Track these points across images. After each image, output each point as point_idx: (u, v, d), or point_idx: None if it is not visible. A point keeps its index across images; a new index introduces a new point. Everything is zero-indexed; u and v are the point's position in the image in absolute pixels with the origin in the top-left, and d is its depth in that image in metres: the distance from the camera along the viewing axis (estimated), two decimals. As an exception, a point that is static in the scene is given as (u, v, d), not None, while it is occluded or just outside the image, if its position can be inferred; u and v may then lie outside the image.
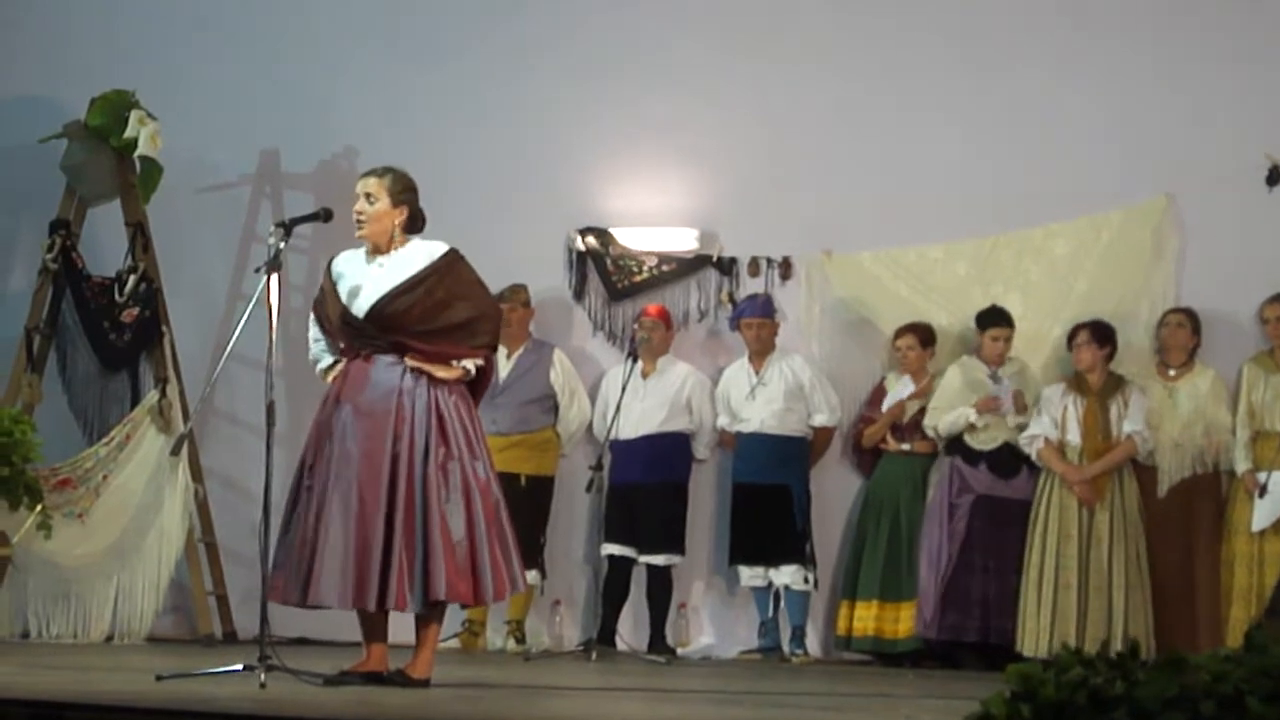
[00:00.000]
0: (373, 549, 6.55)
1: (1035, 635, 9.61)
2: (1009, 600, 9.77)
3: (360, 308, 6.77)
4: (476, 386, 6.94)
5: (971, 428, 9.94)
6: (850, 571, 10.28)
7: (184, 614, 10.88)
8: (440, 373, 6.76)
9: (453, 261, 6.86)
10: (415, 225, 6.93)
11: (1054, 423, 9.81)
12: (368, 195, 6.84)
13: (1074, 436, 9.77)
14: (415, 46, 11.21)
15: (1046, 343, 10.24)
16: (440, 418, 6.71)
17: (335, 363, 6.95)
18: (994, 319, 10.06)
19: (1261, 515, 9.44)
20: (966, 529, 9.88)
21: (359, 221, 6.83)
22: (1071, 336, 9.90)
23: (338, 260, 6.98)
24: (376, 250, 6.88)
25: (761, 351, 10.37)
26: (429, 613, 6.73)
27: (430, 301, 6.78)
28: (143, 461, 10.27)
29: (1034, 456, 9.85)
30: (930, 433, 10.08)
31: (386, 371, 6.75)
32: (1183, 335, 9.88)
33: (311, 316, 7.06)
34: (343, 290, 6.84)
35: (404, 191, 6.87)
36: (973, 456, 9.98)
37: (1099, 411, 9.74)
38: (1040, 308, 10.32)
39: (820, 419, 10.35)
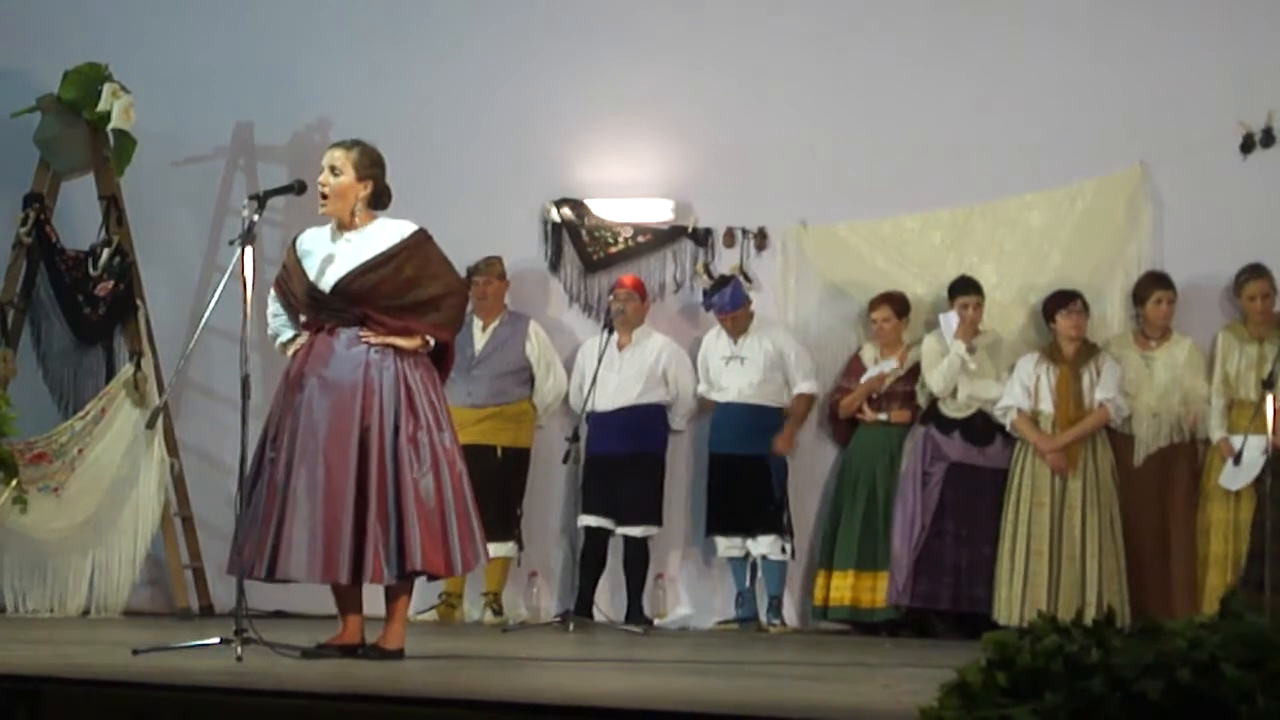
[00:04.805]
0: (343, 522, 6.55)
1: (1009, 603, 9.65)
2: (982, 568, 9.81)
3: (327, 282, 6.76)
4: (442, 363, 6.94)
5: (964, 367, 9.89)
6: (827, 541, 10.30)
7: (160, 587, 10.89)
8: (400, 342, 6.75)
9: (422, 240, 6.85)
10: (380, 202, 6.89)
11: (1027, 392, 9.83)
12: (333, 168, 6.82)
13: (1047, 405, 9.79)
14: (388, 19, 11.17)
15: (1021, 313, 10.25)
16: (408, 389, 6.71)
17: (295, 336, 6.96)
18: (963, 287, 10.07)
19: (1230, 476, 9.46)
20: (940, 497, 9.91)
21: (323, 195, 6.81)
22: (1058, 304, 9.88)
23: (303, 238, 6.96)
24: (342, 226, 6.85)
25: (738, 330, 10.38)
26: (399, 584, 6.75)
27: (399, 278, 6.76)
28: (118, 435, 10.27)
29: (1008, 427, 9.88)
30: (925, 400, 10.07)
31: (352, 344, 6.74)
32: (1170, 311, 9.87)
33: (271, 293, 7.04)
34: (309, 266, 6.82)
35: (370, 166, 6.83)
36: (946, 425, 10.01)
37: (1072, 380, 9.76)
38: (1015, 278, 10.32)
39: (807, 386, 10.34)
